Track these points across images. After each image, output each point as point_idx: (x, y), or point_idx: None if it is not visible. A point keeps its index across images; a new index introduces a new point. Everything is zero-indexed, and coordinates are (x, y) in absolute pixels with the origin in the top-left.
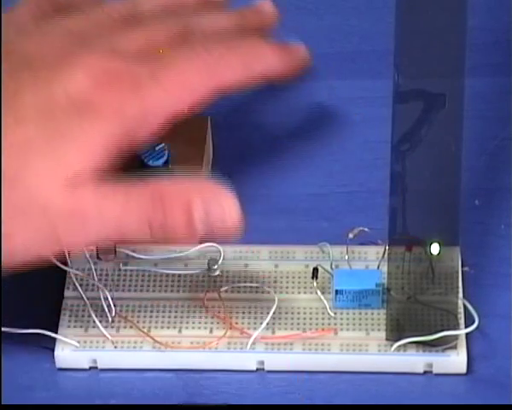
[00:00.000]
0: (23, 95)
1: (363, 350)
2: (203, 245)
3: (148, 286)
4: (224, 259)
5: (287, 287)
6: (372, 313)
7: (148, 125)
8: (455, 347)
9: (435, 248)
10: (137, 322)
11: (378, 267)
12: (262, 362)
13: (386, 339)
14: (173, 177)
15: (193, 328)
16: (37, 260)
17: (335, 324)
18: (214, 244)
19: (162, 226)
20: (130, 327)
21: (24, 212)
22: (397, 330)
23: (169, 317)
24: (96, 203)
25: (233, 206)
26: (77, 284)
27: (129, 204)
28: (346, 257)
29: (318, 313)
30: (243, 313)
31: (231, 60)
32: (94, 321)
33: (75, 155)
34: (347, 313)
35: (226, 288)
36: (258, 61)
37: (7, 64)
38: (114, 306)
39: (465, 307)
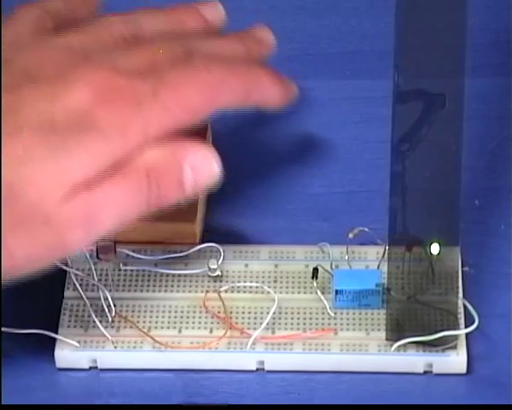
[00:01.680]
0: (23, 108)
1: (363, 350)
2: (203, 245)
3: (148, 286)
4: (224, 259)
5: (287, 287)
6: (372, 313)
7: (147, 140)
8: (455, 347)
9: (435, 248)
10: (137, 322)
11: (378, 267)
12: (262, 362)
13: (386, 339)
14: (161, 147)
15: (193, 328)
16: (40, 269)
17: (335, 324)
18: (214, 244)
19: (157, 204)
20: (131, 327)
21: (25, 223)
22: (397, 331)
23: (169, 317)
24: (99, 202)
25: (218, 167)
26: (77, 284)
27: (128, 192)
28: (346, 257)
29: (318, 313)
30: (243, 313)
31: (232, 84)
32: (94, 321)
33: (76, 166)
34: (347, 313)
35: (226, 288)
36: (256, 89)
37: (6, 78)
38: (114, 306)
39: (465, 307)
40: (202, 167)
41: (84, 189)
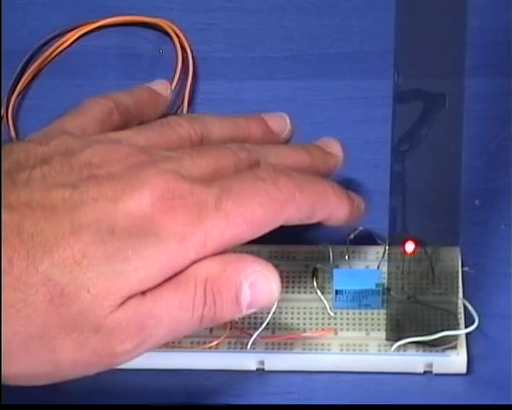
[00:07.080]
0: (85, 206)
1: (363, 350)
2: None
3: None
4: None
5: (287, 287)
6: (372, 313)
7: (205, 250)
8: (455, 347)
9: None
10: None
11: (378, 267)
12: (262, 362)
13: (386, 339)
14: (225, 257)
15: None
16: (85, 375)
17: (335, 324)
18: None
19: (211, 320)
20: None
21: (74, 328)
22: (397, 331)
23: None
24: (152, 312)
25: (278, 289)
26: None
27: (183, 305)
28: (346, 257)
29: (318, 313)
30: None
31: (298, 201)
32: None
33: (132, 275)
34: (347, 313)
35: None
36: (323, 206)
37: (68, 171)
38: None
39: (465, 307)
40: (261, 287)
41: (138, 297)
